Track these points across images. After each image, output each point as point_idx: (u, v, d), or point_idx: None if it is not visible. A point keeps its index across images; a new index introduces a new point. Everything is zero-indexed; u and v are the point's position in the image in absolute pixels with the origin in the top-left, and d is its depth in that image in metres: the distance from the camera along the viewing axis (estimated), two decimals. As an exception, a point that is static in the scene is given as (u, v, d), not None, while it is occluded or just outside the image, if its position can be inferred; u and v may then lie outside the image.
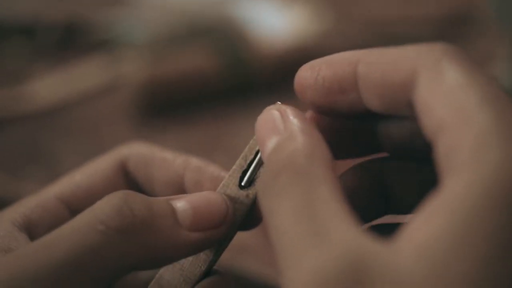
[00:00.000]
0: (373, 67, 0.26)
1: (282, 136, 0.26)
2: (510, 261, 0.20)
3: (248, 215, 0.32)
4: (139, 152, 0.35)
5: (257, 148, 0.32)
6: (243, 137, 0.71)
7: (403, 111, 0.25)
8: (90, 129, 0.76)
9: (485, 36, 0.85)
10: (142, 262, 0.28)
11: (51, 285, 0.25)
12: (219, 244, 0.31)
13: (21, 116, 0.76)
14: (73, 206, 0.33)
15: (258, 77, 0.77)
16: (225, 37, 0.78)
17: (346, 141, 0.30)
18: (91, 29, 0.87)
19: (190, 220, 0.29)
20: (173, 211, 0.29)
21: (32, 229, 0.31)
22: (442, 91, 0.23)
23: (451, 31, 0.87)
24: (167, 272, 0.31)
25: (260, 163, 0.31)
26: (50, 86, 0.80)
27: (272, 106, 0.29)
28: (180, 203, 0.29)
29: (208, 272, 0.31)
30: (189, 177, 0.34)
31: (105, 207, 0.27)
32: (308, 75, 0.28)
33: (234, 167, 0.32)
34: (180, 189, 0.34)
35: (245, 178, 0.31)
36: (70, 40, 0.87)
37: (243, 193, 0.31)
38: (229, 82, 0.77)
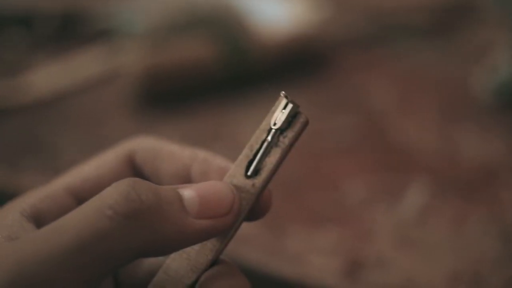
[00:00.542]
0: None
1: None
2: None
3: (254, 206, 0.32)
4: (146, 145, 0.35)
5: (263, 138, 0.32)
6: (243, 127, 0.71)
7: None
8: (89, 120, 0.75)
9: (485, 25, 0.85)
10: (149, 248, 0.28)
11: (59, 269, 0.26)
12: (225, 233, 0.31)
13: (20, 107, 0.76)
14: (81, 198, 0.33)
15: (258, 67, 0.77)
16: (225, 27, 0.77)
17: None
18: (90, 19, 0.87)
19: (197, 207, 0.29)
20: (180, 198, 0.29)
21: (40, 220, 0.31)
22: None
23: (451, 20, 0.87)
24: (174, 262, 0.31)
25: (266, 153, 0.32)
26: (48, 76, 0.80)
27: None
28: (187, 191, 0.29)
29: (214, 261, 0.31)
30: (196, 168, 0.34)
31: (113, 193, 0.27)
32: None
33: (240, 156, 0.32)
34: (187, 182, 0.34)
35: (251, 168, 0.32)
36: (69, 30, 0.87)
37: (249, 182, 0.31)
38: (229, 72, 0.77)
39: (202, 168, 0.34)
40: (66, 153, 0.69)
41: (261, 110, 0.70)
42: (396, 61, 0.81)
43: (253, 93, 0.75)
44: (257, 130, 0.32)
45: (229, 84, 0.77)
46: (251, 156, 0.32)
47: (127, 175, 0.33)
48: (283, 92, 0.32)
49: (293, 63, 0.78)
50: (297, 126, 0.32)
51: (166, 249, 0.29)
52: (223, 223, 0.30)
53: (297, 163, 0.63)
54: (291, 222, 0.57)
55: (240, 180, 0.31)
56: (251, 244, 0.54)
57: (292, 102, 0.31)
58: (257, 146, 0.32)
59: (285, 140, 0.32)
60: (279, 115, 0.31)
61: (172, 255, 0.32)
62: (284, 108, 0.31)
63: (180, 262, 0.31)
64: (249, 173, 0.31)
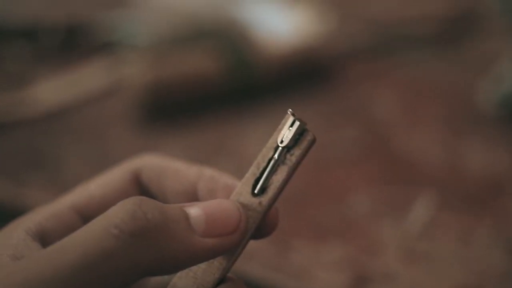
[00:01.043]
0: None
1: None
2: None
3: (261, 224, 0.32)
4: (152, 162, 0.35)
5: (269, 156, 0.32)
6: (247, 140, 0.71)
7: None
8: (93, 133, 0.75)
9: (491, 35, 0.84)
10: (155, 267, 0.28)
11: None
12: (232, 251, 0.31)
13: (23, 120, 0.76)
14: (87, 216, 0.33)
15: (262, 79, 0.77)
16: (229, 39, 0.77)
17: None
18: (94, 31, 0.87)
19: (204, 226, 0.29)
20: (186, 216, 0.29)
21: (46, 238, 0.31)
22: None
23: (456, 30, 0.86)
24: (180, 280, 0.31)
25: (273, 171, 0.31)
26: (52, 89, 0.80)
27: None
28: (194, 209, 0.29)
29: (221, 280, 0.31)
30: (203, 186, 0.34)
31: (119, 212, 0.27)
32: None
33: (247, 174, 0.32)
34: (194, 199, 0.34)
35: (258, 186, 0.31)
36: (73, 43, 0.87)
37: (256, 200, 0.31)
38: (233, 85, 0.76)
39: (208, 186, 0.34)
40: (70, 166, 0.69)
41: (265, 123, 0.71)
42: (401, 72, 0.80)
43: (257, 106, 0.75)
44: (263, 148, 0.32)
45: (233, 97, 0.77)
46: (258, 174, 0.31)
47: (133, 194, 0.33)
48: (290, 109, 0.31)
49: (298, 75, 0.78)
50: (304, 144, 0.31)
51: (172, 268, 0.29)
52: (230, 241, 0.30)
53: (301, 176, 0.62)
54: (296, 236, 0.57)
55: (247, 198, 0.31)
56: (256, 259, 0.54)
57: (299, 120, 0.31)
58: (264, 164, 0.32)
59: (292, 158, 0.31)
60: (286, 133, 0.31)
61: (179, 274, 0.31)
62: (291, 125, 0.31)
63: (187, 280, 0.31)
64: (256, 191, 0.31)
